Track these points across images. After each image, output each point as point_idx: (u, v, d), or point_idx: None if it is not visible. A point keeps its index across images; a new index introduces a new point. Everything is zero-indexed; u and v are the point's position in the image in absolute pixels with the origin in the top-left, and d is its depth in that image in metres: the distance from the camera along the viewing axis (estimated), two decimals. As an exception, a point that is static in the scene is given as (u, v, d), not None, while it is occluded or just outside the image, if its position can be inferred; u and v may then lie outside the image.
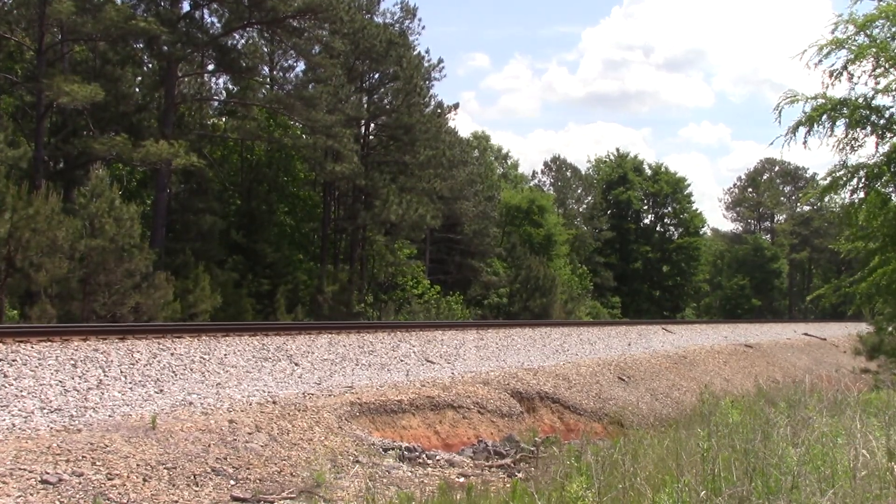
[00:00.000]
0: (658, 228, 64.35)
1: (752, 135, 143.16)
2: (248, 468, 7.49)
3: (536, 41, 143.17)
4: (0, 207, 15.97)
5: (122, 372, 10.18)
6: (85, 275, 17.95)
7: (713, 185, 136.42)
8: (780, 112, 12.94)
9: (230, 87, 31.02)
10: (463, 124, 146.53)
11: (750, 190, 76.51)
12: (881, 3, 12.36)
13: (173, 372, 10.69)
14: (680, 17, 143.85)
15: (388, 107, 32.59)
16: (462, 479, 8.12)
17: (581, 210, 60.62)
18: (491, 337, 19.08)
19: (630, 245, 60.44)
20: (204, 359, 11.65)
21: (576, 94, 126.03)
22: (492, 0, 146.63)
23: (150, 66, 28.07)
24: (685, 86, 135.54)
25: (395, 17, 35.21)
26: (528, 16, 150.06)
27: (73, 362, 10.08)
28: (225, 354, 12.19)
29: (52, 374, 9.50)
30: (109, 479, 6.51)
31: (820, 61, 12.46)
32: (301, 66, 32.14)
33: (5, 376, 9.12)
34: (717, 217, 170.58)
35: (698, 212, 64.41)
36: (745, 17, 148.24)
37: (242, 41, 30.01)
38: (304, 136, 29.37)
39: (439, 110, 35.70)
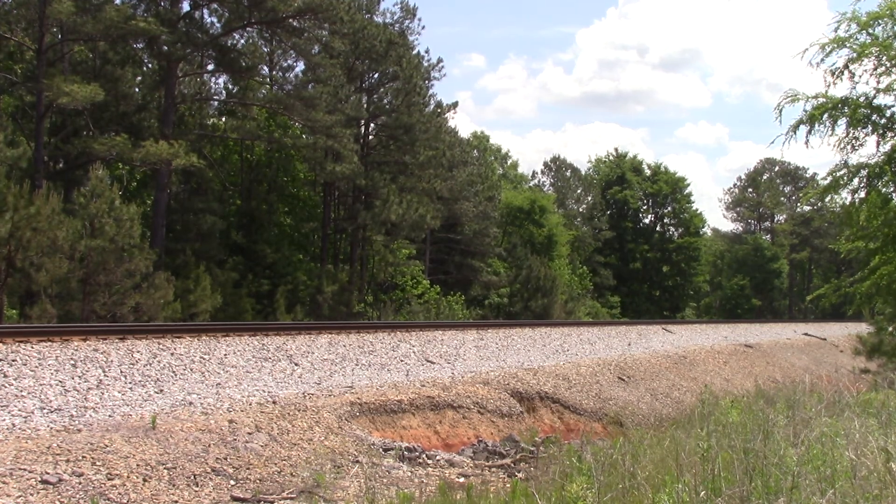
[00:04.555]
0: (658, 228, 64.38)
1: (750, 135, 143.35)
2: (248, 468, 7.49)
3: (532, 41, 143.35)
4: (0, 207, 15.98)
5: (122, 372, 10.18)
6: (85, 275, 17.95)
7: (711, 186, 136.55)
8: (780, 111, 12.96)
9: (230, 87, 31.05)
10: (461, 124, 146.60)
11: (750, 190, 76.51)
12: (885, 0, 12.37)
13: (173, 372, 10.69)
14: (675, 17, 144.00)
15: (387, 107, 32.59)
16: (462, 479, 8.12)
17: (581, 210, 60.64)
18: (491, 337, 19.07)
19: (630, 245, 60.46)
20: (204, 359, 11.64)
21: (572, 94, 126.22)
22: (487, 1, 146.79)
23: (150, 66, 28.07)
24: (682, 86, 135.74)
25: (395, 17, 35.26)
26: (524, 16, 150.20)
27: (73, 362, 10.08)
28: (225, 354, 12.19)
29: (52, 374, 9.50)
30: (109, 479, 6.51)
31: (822, 60, 12.48)
32: (301, 66, 32.19)
33: (5, 376, 9.12)
34: (715, 217, 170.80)
35: (698, 212, 64.49)
36: (740, 16, 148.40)
37: (242, 41, 30.04)
38: (303, 136, 29.37)
39: (439, 110, 35.71)
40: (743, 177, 78.77)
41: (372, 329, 17.20)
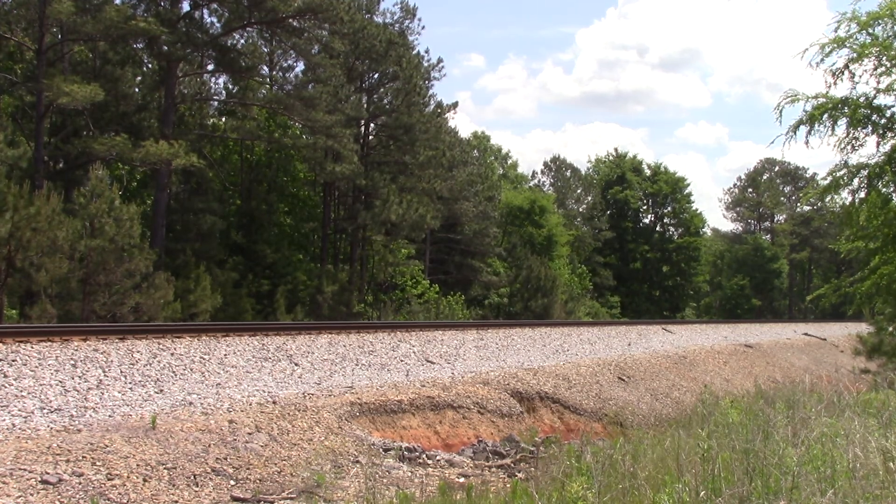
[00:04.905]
0: (658, 228, 64.38)
1: (750, 135, 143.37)
2: (248, 468, 7.49)
3: (531, 41, 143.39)
4: (0, 207, 15.98)
5: (122, 372, 10.18)
6: (85, 275, 17.95)
7: (711, 186, 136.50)
8: (780, 111, 12.97)
9: (230, 87, 31.06)
10: (461, 125, 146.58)
11: (750, 190, 76.51)
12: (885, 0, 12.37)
13: (173, 372, 10.69)
14: (674, 17, 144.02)
15: (387, 107, 32.59)
16: (462, 480, 8.12)
17: (581, 210, 60.63)
18: (491, 337, 19.07)
19: (630, 245, 60.46)
20: (204, 359, 11.64)
21: (571, 94, 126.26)
22: (487, 1, 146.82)
23: (150, 66, 28.08)
24: (681, 86, 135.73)
25: (395, 17, 35.27)
26: (524, 16, 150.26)
27: (73, 362, 10.08)
28: (225, 354, 12.19)
29: (52, 374, 9.50)
30: (109, 479, 6.51)
31: (822, 60, 12.50)
32: (301, 66, 32.20)
33: (5, 376, 9.12)
34: (714, 217, 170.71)
35: (698, 212, 64.48)
36: (739, 16, 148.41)
37: (242, 41, 30.04)
38: (303, 136, 29.37)
39: (439, 110, 35.70)
40: (743, 177, 78.87)
41: (372, 329, 17.20)
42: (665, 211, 64.39)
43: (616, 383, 16.00)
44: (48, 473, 6.33)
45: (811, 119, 12.72)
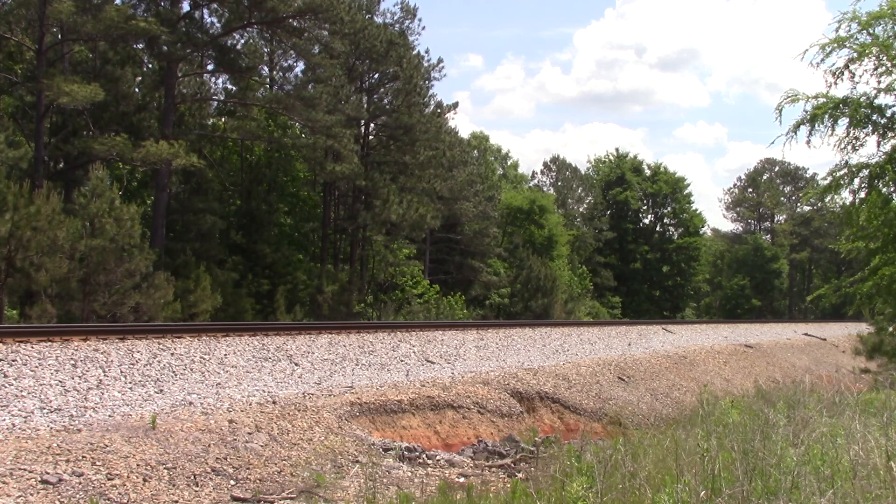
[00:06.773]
0: (658, 228, 64.37)
1: (749, 135, 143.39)
2: (248, 468, 7.49)
3: (530, 41, 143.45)
4: (1, 207, 15.98)
5: (122, 372, 10.18)
6: (85, 275, 17.95)
7: (710, 186, 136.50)
8: (780, 111, 12.97)
9: (230, 87, 31.06)
10: (460, 125, 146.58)
11: (750, 190, 76.51)
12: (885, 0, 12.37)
13: (173, 372, 10.69)
14: (672, 17, 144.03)
15: (388, 107, 32.59)
16: (462, 479, 8.11)
17: (581, 210, 60.64)
18: (491, 337, 19.07)
19: (630, 245, 60.46)
20: (204, 359, 11.64)
21: (570, 94, 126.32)
22: (485, 1, 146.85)
23: (150, 66, 28.09)
24: (679, 86, 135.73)
25: (395, 18, 35.26)
26: (522, 17, 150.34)
27: (73, 362, 10.08)
28: (225, 354, 12.19)
29: (52, 374, 9.50)
30: (109, 479, 6.51)
31: (822, 60, 12.49)
32: (301, 66, 32.21)
33: (5, 376, 9.11)
34: (714, 217, 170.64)
35: (698, 212, 64.49)
36: (737, 16, 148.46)
37: (242, 41, 30.03)
38: (303, 136, 29.37)
39: (439, 110, 35.69)
40: (742, 177, 78.91)
41: (372, 329, 17.20)
42: (665, 211, 64.42)
43: (616, 383, 16.00)
44: (48, 473, 6.33)
45: (812, 119, 12.72)
